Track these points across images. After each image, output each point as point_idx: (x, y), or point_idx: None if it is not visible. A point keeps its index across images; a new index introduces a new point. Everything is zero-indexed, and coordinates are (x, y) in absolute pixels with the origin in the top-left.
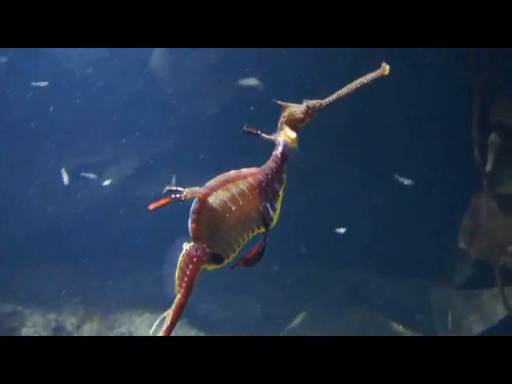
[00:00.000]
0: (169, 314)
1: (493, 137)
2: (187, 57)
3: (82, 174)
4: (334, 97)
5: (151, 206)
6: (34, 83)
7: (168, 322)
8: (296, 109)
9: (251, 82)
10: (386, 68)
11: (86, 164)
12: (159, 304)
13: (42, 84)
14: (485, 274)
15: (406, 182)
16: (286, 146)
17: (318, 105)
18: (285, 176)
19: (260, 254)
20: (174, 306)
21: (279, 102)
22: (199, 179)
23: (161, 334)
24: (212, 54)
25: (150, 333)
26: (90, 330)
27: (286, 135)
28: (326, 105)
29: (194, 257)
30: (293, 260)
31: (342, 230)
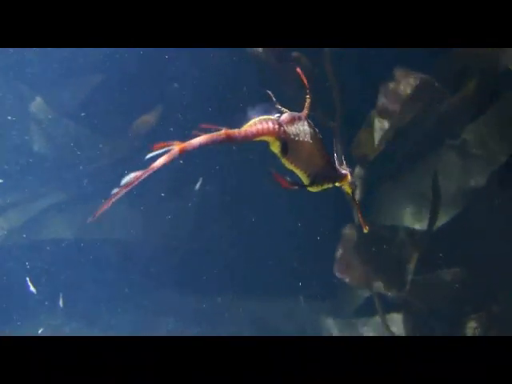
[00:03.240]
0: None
1: (357, 170)
2: (67, 102)
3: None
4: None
5: (299, 72)
6: None
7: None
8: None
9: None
10: (366, 228)
11: None
12: None
13: None
14: (370, 302)
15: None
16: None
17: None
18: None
19: (294, 185)
20: (226, 130)
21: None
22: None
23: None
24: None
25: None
26: None
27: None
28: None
29: (278, 125)
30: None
31: None
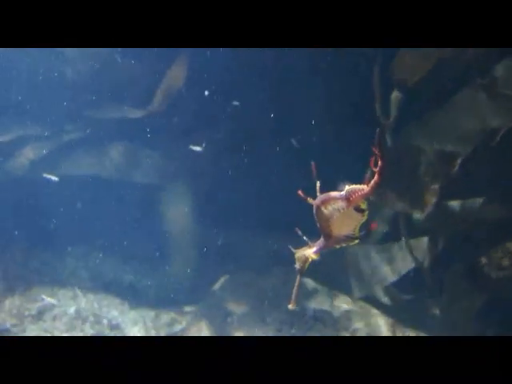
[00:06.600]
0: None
1: (395, 94)
2: None
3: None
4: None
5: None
6: None
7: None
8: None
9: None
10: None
11: None
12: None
13: None
14: (397, 228)
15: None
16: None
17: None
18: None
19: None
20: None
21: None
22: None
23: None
24: None
25: None
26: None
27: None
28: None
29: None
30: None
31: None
